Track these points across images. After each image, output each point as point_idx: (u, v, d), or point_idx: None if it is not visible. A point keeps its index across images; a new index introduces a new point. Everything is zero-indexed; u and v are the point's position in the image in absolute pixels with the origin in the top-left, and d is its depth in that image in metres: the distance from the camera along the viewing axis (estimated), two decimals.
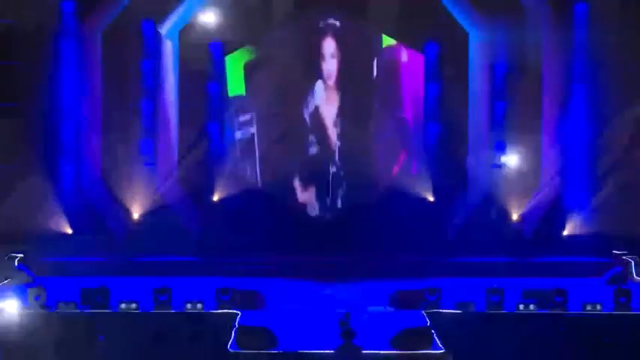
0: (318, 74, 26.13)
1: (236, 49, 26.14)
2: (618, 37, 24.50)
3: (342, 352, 14.87)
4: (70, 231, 25.30)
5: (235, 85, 26.41)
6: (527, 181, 25.53)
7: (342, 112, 26.22)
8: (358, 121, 26.20)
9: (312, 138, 26.34)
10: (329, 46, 26.13)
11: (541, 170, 25.67)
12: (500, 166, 25.72)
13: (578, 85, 25.41)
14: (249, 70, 26.31)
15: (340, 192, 26.19)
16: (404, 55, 26.38)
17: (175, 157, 26.15)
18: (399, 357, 17.12)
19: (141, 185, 25.61)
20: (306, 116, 26.31)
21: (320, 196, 26.16)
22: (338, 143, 26.25)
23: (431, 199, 25.87)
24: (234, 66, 26.33)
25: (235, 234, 24.88)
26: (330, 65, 26.18)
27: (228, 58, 26.15)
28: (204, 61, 25.80)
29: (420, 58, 26.08)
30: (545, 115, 25.59)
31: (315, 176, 26.17)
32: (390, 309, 20.41)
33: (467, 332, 18.45)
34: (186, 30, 25.80)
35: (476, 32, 25.60)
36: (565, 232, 25.45)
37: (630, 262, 24.00)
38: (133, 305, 19.49)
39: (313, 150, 26.39)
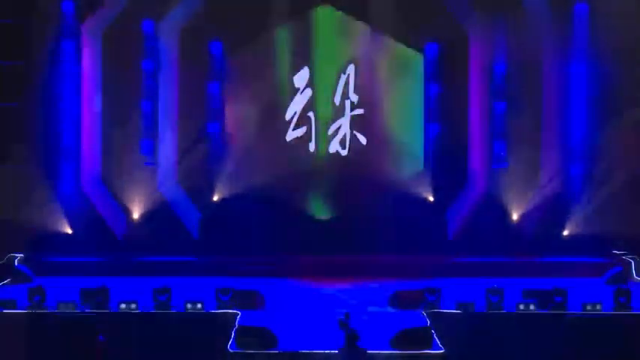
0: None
1: None
2: (618, 37, 24.48)
3: (347, 354, 14.79)
4: (70, 231, 25.30)
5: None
6: (527, 181, 25.51)
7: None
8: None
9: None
10: None
11: (541, 170, 25.66)
12: (500, 166, 25.70)
13: (578, 84, 25.42)
14: None
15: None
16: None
17: (175, 157, 26.13)
18: (399, 357, 17.12)
19: (141, 185, 25.60)
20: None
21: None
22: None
23: (431, 199, 25.86)
24: None
25: (235, 234, 24.86)
26: None
27: None
28: (204, 61, 25.81)
29: None
30: (545, 115, 25.59)
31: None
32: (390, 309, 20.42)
33: (467, 332, 18.46)
34: (186, 30, 25.77)
35: (476, 32, 25.59)
36: (565, 232, 25.43)
37: (630, 262, 24.01)
38: (133, 305, 19.47)
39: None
